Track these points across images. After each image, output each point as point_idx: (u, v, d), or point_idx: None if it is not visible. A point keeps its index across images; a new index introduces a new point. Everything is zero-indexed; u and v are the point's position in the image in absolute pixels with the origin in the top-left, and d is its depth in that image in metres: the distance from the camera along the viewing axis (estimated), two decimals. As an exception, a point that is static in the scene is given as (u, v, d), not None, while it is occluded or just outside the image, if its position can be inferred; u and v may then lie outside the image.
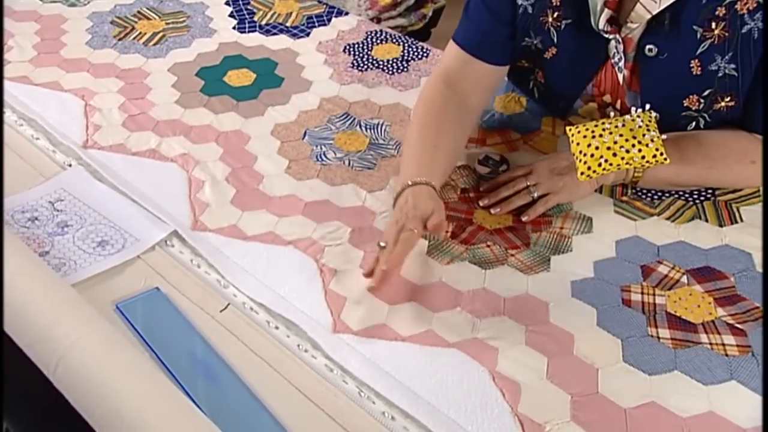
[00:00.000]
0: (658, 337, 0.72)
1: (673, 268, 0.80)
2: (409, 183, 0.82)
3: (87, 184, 0.93)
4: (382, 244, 0.77)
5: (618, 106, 0.92)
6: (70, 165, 0.96)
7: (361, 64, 1.16)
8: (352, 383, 0.69)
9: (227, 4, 1.33)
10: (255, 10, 1.30)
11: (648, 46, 0.83)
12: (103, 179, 0.93)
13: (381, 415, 0.66)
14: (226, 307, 0.77)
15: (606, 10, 0.82)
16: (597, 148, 0.82)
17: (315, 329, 0.74)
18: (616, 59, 0.85)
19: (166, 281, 0.80)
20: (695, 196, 0.89)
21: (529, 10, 0.89)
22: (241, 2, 1.33)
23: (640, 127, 0.82)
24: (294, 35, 1.24)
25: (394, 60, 1.17)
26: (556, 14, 0.87)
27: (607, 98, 0.93)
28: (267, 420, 0.65)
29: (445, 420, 0.66)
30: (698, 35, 0.80)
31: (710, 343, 0.71)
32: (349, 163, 0.96)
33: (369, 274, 0.77)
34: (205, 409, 0.63)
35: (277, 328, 0.74)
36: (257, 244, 0.84)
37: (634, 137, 0.81)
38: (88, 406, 0.60)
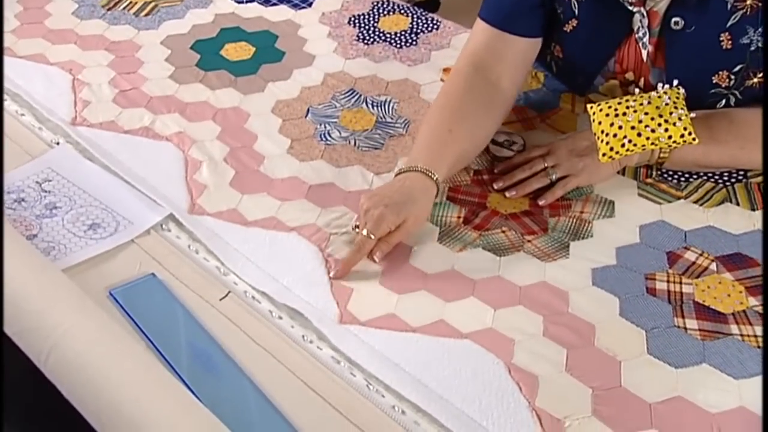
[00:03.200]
0: (685, 328, 0.72)
1: (701, 255, 0.79)
2: (410, 168, 0.82)
3: (76, 164, 0.92)
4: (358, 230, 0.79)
5: (641, 84, 0.91)
6: (57, 143, 0.95)
7: (367, 37, 1.15)
8: (360, 376, 0.69)
9: (223, -28, 1.31)
10: (253, -21, 1.29)
11: (674, 19, 0.82)
12: (94, 158, 0.93)
13: (391, 408, 0.66)
14: (226, 296, 0.77)
15: None
16: (620, 127, 0.81)
17: (321, 320, 0.73)
18: (640, 34, 0.84)
19: (162, 267, 0.79)
20: (725, 178, 0.88)
21: None
22: (238, -30, 1.31)
23: (666, 104, 0.81)
24: (295, 6, 1.23)
25: (402, 32, 1.16)
26: None
27: (630, 76, 0.92)
28: (270, 413, 0.65)
29: (458, 414, 0.65)
30: (729, 6, 0.79)
31: (741, 335, 0.71)
32: (355, 143, 0.96)
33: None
34: (206, 401, 0.63)
35: (280, 318, 0.74)
36: (258, 230, 0.84)
37: (661, 116, 0.81)
38: (82, 397, 0.60)
